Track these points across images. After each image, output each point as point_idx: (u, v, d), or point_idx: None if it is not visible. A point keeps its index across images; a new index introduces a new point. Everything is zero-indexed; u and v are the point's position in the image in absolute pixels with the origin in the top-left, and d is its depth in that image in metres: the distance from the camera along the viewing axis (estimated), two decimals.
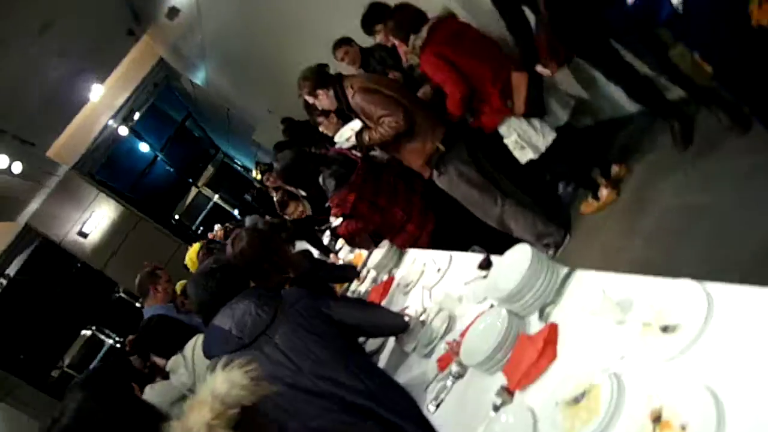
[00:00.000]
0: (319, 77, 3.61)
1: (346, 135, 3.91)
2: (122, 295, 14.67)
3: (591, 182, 3.59)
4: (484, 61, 3.39)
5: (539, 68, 3.07)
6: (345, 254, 4.53)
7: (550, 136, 3.41)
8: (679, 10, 2.09)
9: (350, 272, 3.57)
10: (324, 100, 3.62)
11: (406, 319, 2.43)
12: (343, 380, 1.88)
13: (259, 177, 6.12)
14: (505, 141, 3.45)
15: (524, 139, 3.40)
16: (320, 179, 3.65)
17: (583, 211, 3.67)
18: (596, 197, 3.56)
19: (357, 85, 3.53)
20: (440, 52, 3.30)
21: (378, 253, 3.53)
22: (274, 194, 5.70)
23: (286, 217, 4.66)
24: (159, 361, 3.02)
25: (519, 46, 3.13)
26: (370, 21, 4.09)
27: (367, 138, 3.57)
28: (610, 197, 3.54)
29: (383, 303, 3.12)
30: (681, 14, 2.09)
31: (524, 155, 3.46)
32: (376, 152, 3.90)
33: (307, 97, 3.68)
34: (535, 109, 3.33)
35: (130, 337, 3.77)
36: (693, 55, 2.30)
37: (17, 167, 9.55)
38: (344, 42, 4.67)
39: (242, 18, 7.20)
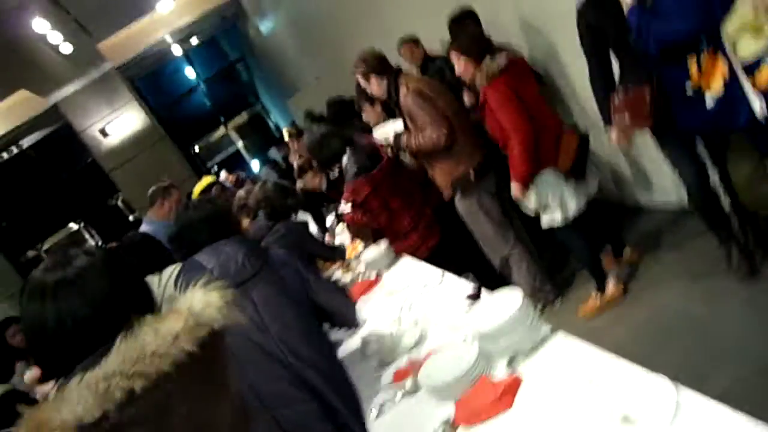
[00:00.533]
0: (378, 63, 3.54)
1: (385, 132, 3.87)
2: (119, 204, 14.72)
3: (600, 271, 3.44)
4: (548, 110, 3.33)
5: (613, 135, 2.78)
6: (342, 239, 4.52)
7: (583, 201, 3.31)
8: (762, 122, 2.03)
9: (338, 253, 3.62)
10: (375, 86, 3.56)
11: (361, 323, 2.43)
12: (304, 354, 1.87)
13: (286, 138, 6.09)
14: (531, 196, 3.30)
15: (554, 201, 3.26)
16: (343, 160, 3.62)
17: (581, 314, 3.43)
18: (602, 289, 3.41)
19: (413, 86, 3.49)
20: (513, 86, 3.17)
21: (373, 250, 3.52)
22: (296, 159, 5.70)
23: (299, 184, 4.68)
24: None
25: (597, 97, 2.88)
26: (461, 20, 4.02)
27: (404, 141, 3.54)
28: (616, 293, 3.38)
29: (362, 299, 3.12)
30: (763, 124, 2.03)
31: (549, 219, 3.31)
32: (405, 157, 3.89)
33: (359, 77, 3.64)
34: (577, 172, 3.23)
35: (112, 244, 3.79)
36: (757, 168, 2.20)
37: (67, 48, 9.70)
38: (413, 40, 4.68)
39: None
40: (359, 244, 4.00)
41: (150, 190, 4.52)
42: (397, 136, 3.60)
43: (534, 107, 3.20)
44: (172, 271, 2.57)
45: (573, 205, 3.27)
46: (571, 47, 3.14)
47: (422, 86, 3.54)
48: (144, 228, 4.19)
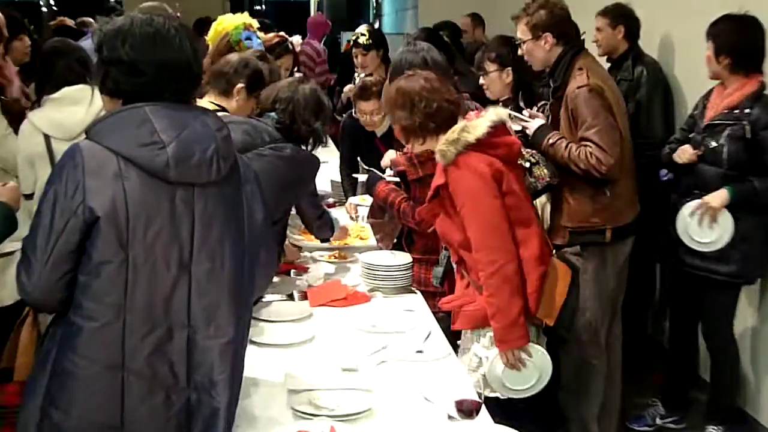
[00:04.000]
0: (564, 24, 3.71)
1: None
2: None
3: None
4: (537, 223, 3.14)
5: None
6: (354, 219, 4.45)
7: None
8: None
9: (324, 227, 3.57)
10: (542, 51, 3.71)
11: None
12: (218, 324, 2.01)
13: (362, 40, 5.66)
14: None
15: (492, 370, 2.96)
16: None
17: None
18: None
19: (596, 81, 3.60)
20: (500, 174, 2.93)
21: (386, 258, 3.50)
22: (362, 73, 5.63)
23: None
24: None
25: None
26: None
27: (552, 140, 3.61)
28: None
29: (324, 309, 3.18)
30: None
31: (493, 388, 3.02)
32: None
33: (522, 25, 3.74)
34: (561, 328, 3.07)
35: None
36: None
37: None
38: (618, 13, 4.72)
39: None
40: (367, 233, 4.03)
41: (147, 3, 4.32)
42: (543, 128, 3.63)
43: (517, 215, 2.99)
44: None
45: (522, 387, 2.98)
46: None
47: (607, 87, 3.63)
48: (88, 42, 4.20)
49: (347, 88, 6.06)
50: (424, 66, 3.55)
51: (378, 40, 5.70)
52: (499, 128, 2.95)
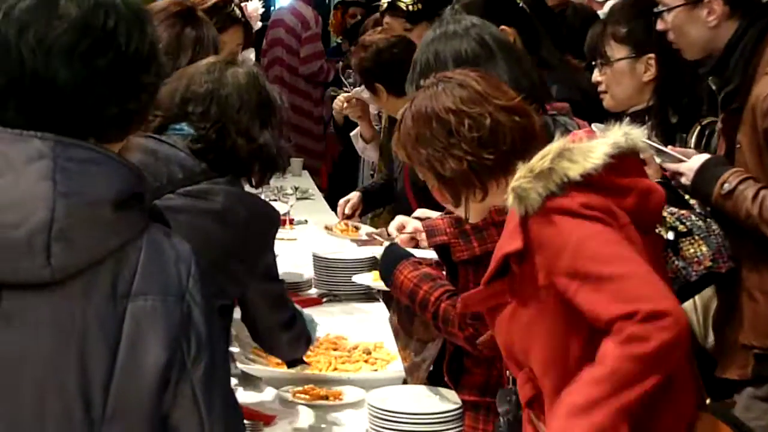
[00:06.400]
0: None
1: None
2: None
3: None
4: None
5: None
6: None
7: None
8: None
9: (297, 346, 3.10)
10: (700, 25, 3.24)
11: None
12: None
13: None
14: None
15: None
16: None
17: None
18: None
19: None
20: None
21: (410, 397, 3.11)
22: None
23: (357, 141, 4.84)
24: None
25: None
26: None
27: (731, 203, 3.15)
28: None
29: None
30: None
31: None
32: None
33: None
34: None
35: None
36: None
37: None
38: None
39: None
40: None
41: None
42: (712, 165, 3.15)
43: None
44: None
45: None
46: None
47: None
48: None
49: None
50: (484, 51, 3.04)
51: (432, 4, 4.77)
52: (626, 161, 2.39)
